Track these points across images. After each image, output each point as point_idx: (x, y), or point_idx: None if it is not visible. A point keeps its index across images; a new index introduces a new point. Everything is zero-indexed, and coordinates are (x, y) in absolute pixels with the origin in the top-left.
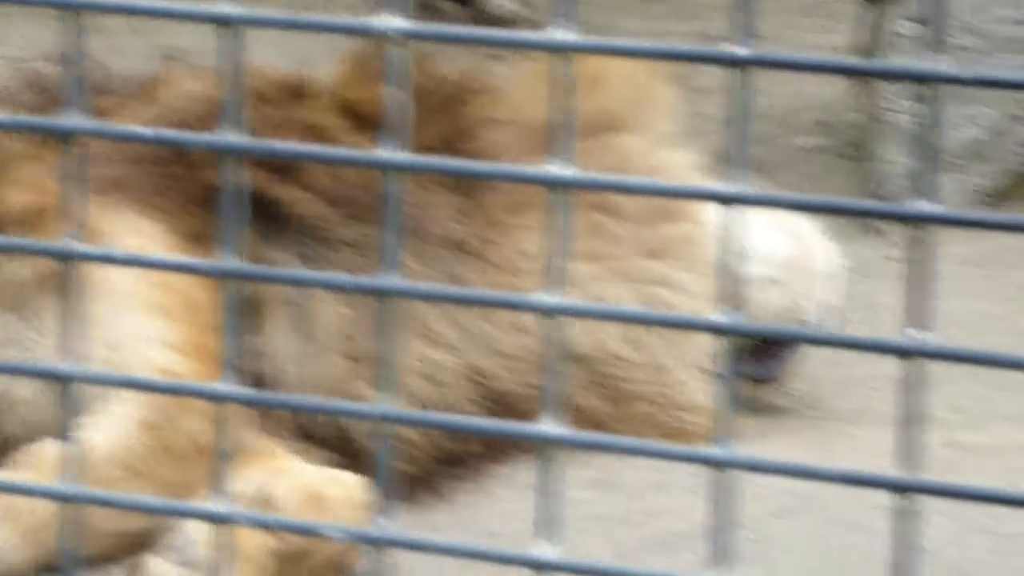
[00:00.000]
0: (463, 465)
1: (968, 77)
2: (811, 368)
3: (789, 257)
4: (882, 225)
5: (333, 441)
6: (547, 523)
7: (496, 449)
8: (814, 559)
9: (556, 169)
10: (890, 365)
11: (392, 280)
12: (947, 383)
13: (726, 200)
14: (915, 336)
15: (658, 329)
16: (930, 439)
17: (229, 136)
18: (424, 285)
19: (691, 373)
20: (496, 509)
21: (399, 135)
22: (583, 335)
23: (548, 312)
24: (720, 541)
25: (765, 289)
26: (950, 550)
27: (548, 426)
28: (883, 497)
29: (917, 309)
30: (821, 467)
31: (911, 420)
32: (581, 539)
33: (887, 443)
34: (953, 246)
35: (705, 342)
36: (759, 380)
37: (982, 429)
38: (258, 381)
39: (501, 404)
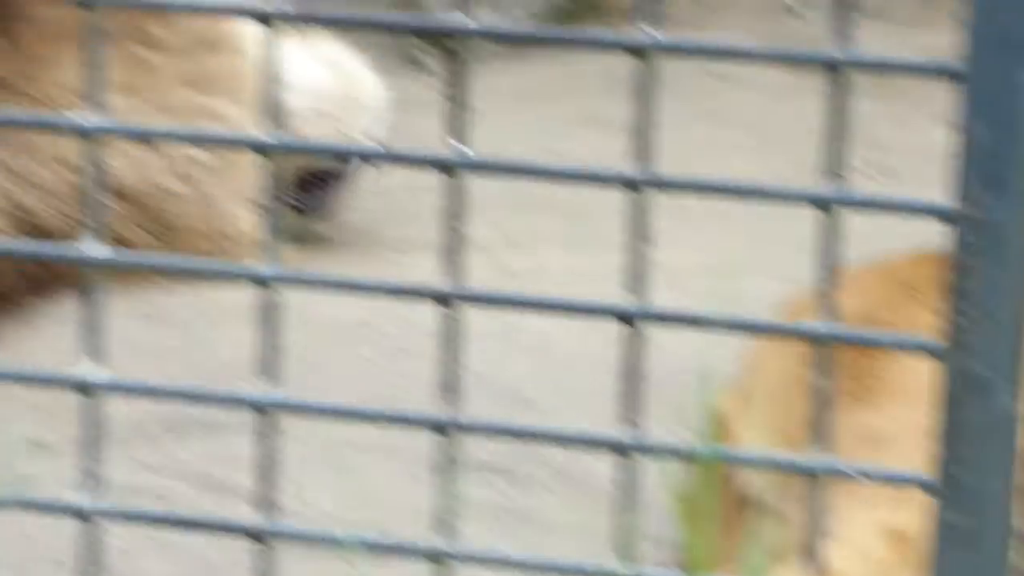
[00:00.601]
0: (3, 300)
1: None
2: (359, 200)
3: (334, 89)
4: (424, 59)
5: None
6: (93, 346)
7: (37, 283)
8: (367, 384)
9: None
10: (434, 196)
11: None
12: (493, 208)
13: (265, 18)
14: (457, 148)
15: (205, 161)
16: (478, 263)
17: None
18: None
19: (240, 205)
20: (41, 343)
21: None
22: (128, 168)
23: (87, 134)
24: (268, 362)
25: (312, 121)
26: (499, 371)
27: (90, 247)
28: (430, 323)
29: (458, 125)
30: (368, 280)
31: (454, 234)
32: (132, 369)
33: (436, 272)
34: (498, 76)
35: (252, 174)
36: (308, 211)
37: (528, 253)
38: None
39: (44, 240)
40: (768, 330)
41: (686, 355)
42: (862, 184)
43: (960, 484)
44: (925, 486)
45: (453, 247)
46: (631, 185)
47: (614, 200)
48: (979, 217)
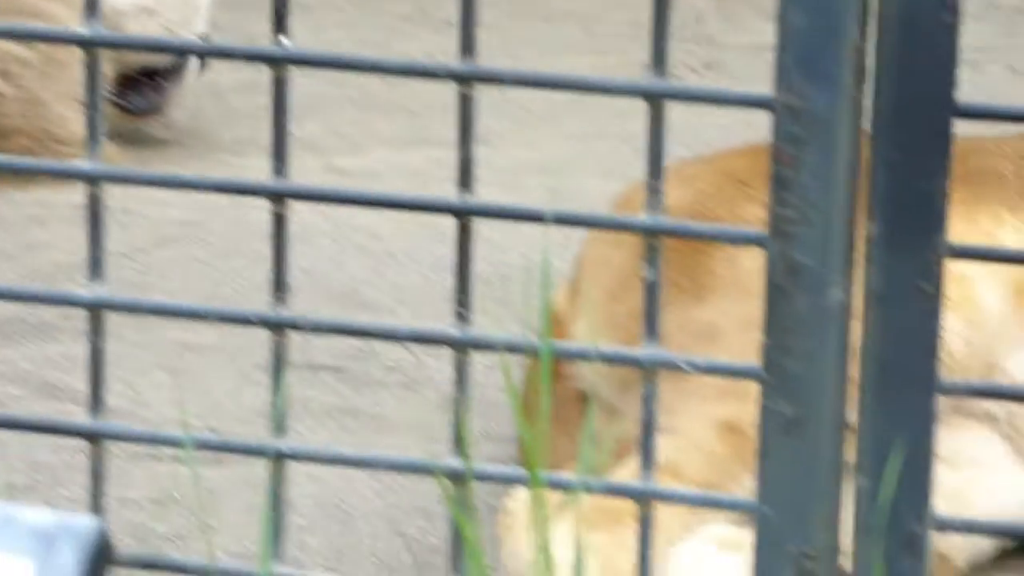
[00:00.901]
0: None
1: None
2: (192, 100)
3: None
4: None
5: None
6: None
7: None
8: (200, 285)
9: None
10: (266, 97)
11: None
12: (325, 108)
13: None
14: (281, 41)
15: (30, 60)
16: (310, 163)
17: None
18: None
19: (68, 106)
20: None
21: None
22: None
23: None
24: (96, 260)
25: (140, 19)
26: (333, 271)
27: None
28: (263, 223)
29: (283, 19)
30: (195, 177)
31: (280, 129)
32: None
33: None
34: None
35: (80, 74)
36: (139, 112)
37: (360, 153)
38: None
39: None
40: (595, 223)
41: (520, 253)
42: (693, 80)
43: (786, 373)
44: (754, 376)
45: (280, 142)
46: (458, 79)
47: (445, 98)
48: (800, 106)
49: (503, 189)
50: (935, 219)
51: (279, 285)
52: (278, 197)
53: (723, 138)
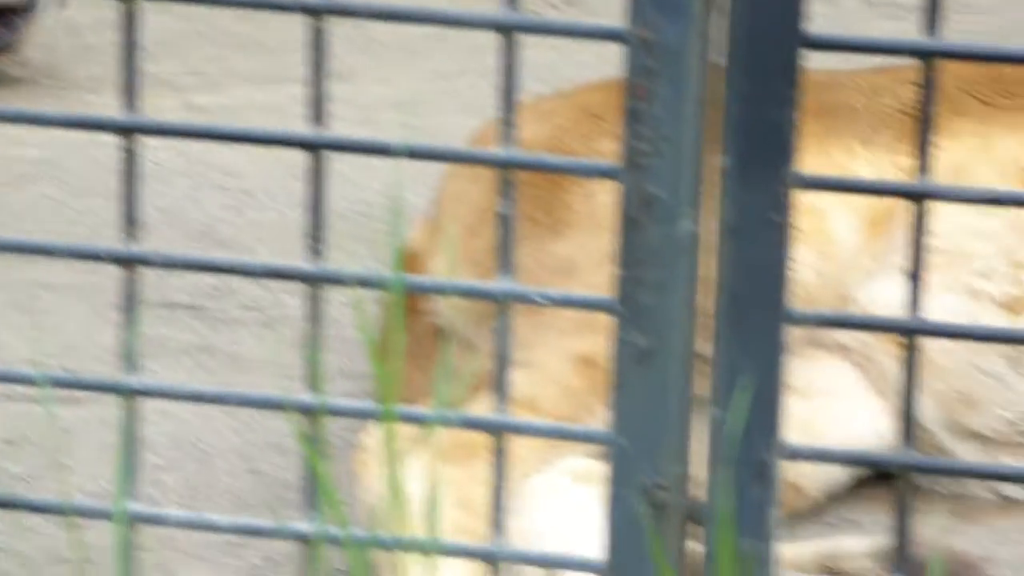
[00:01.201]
0: None
1: None
2: (47, 37)
3: None
4: None
5: None
6: None
7: None
8: (54, 224)
9: None
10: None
11: None
12: (182, 46)
13: None
14: None
15: None
16: (167, 101)
17: None
18: None
19: None
20: None
21: None
22: None
23: None
24: None
25: None
26: (190, 209)
27: None
28: (117, 161)
29: None
30: (44, 112)
31: (131, 64)
32: None
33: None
34: None
35: None
36: None
37: (219, 91)
38: None
39: None
40: (449, 157)
41: (378, 190)
42: (553, 16)
43: (639, 305)
44: (608, 309)
45: (130, 77)
46: (311, 12)
47: (305, 34)
48: (652, 38)
49: (361, 125)
50: (784, 150)
51: (130, 221)
52: (127, 132)
53: (583, 75)
